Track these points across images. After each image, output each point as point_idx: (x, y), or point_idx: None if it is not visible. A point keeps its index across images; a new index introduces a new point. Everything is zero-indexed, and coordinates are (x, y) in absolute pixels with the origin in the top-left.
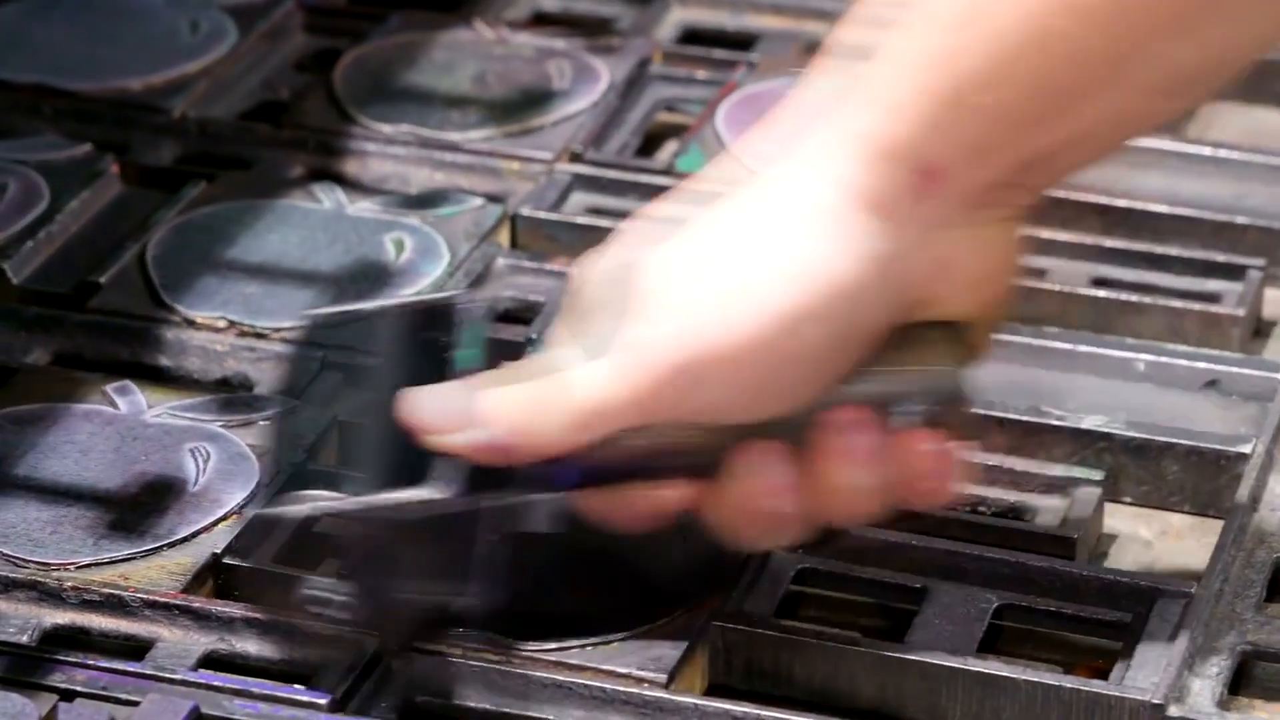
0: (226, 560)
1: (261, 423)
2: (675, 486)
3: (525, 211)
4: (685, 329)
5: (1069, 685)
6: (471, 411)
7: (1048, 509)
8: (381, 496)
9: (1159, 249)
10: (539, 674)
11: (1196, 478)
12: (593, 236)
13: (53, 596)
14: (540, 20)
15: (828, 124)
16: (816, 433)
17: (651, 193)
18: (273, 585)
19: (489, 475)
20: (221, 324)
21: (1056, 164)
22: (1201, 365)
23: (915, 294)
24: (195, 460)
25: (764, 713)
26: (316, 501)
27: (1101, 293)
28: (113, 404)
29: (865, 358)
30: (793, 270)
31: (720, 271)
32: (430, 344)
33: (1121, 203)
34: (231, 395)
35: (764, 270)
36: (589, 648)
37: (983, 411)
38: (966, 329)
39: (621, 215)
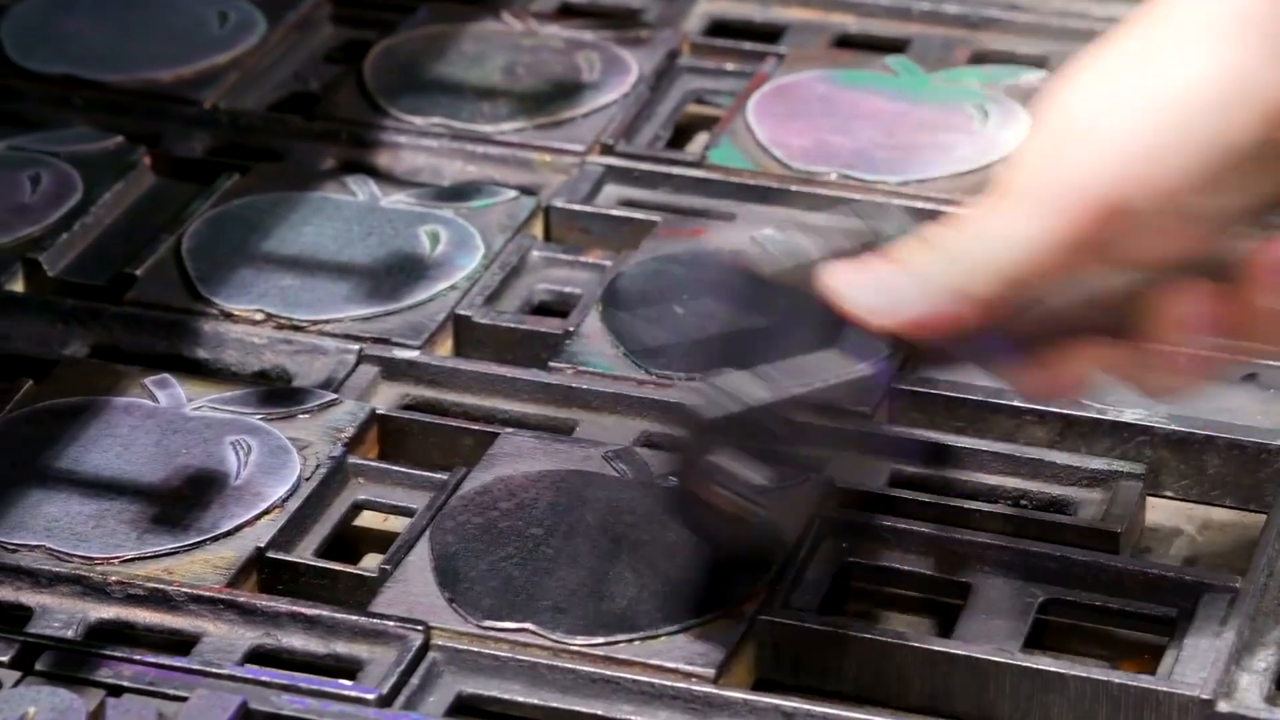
0: (270, 554)
1: (301, 416)
2: (1101, 344)
3: (559, 204)
4: (1119, 166)
5: (1118, 680)
6: (903, 286)
7: (1089, 503)
8: (825, 377)
9: None
10: (587, 669)
11: (1238, 472)
12: (626, 228)
13: (97, 591)
14: (567, 12)
15: None
16: (1246, 265)
17: (684, 185)
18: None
19: (923, 351)
20: (259, 316)
21: None
22: (1240, 359)
23: None
24: (236, 453)
25: (813, 708)
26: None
27: None
28: (152, 397)
29: None
30: (1225, 94)
31: (1147, 100)
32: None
33: None
34: (271, 388)
35: (1195, 97)
36: (637, 642)
37: None
38: None
39: (654, 207)
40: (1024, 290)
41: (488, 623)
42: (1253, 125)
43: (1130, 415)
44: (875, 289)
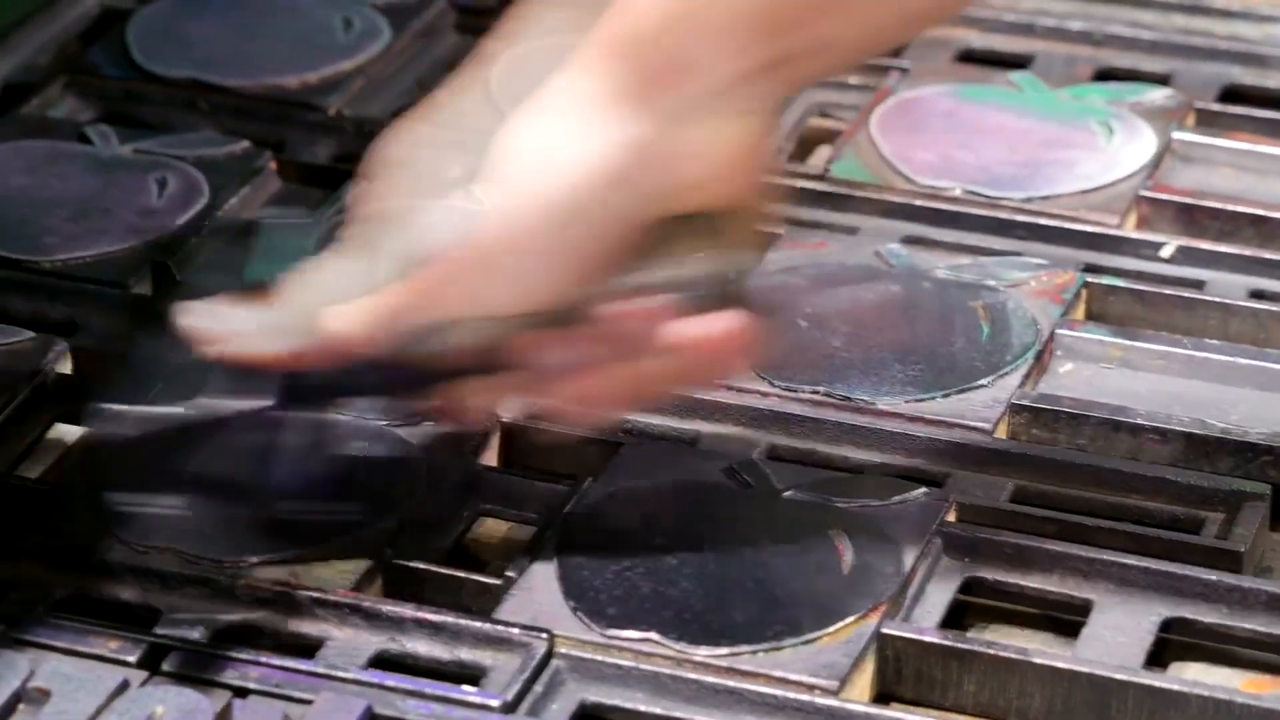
0: (396, 560)
1: (427, 423)
2: (488, 381)
3: None
4: (457, 228)
5: (1240, 700)
6: (263, 324)
7: (1213, 522)
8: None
9: None
10: (710, 679)
11: None
12: None
13: (224, 594)
14: None
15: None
16: (598, 322)
17: (806, 198)
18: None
19: (302, 386)
20: None
21: (803, 68)
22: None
23: (672, 182)
24: (362, 459)
25: None
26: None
27: (1261, 305)
28: None
29: (636, 248)
30: (548, 164)
31: (488, 170)
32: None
33: (1278, 214)
34: None
35: (524, 167)
36: (760, 654)
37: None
38: (732, 219)
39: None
40: (385, 331)
41: (611, 631)
42: (571, 197)
43: (1255, 435)
44: (228, 327)
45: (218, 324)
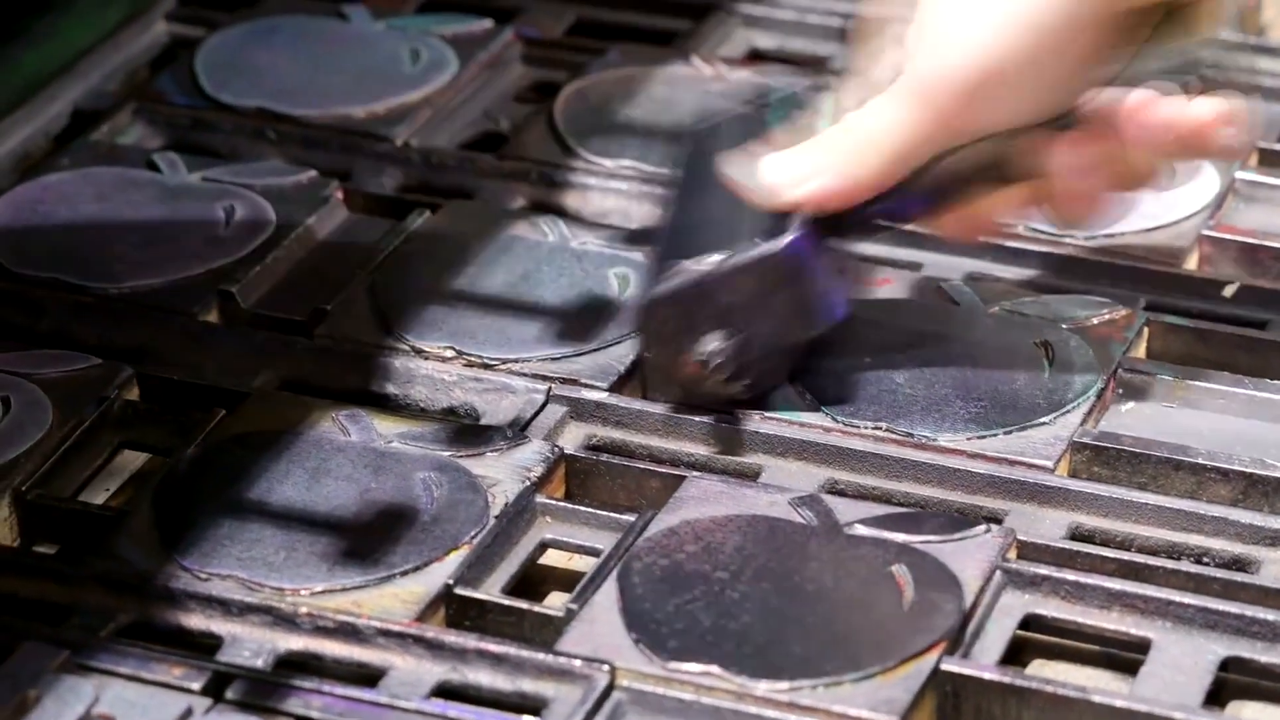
0: (458, 591)
1: (490, 454)
2: (1002, 193)
3: None
4: (967, 53)
5: None
6: (801, 169)
7: (1272, 562)
8: (752, 250)
9: None
10: (771, 713)
11: None
12: None
13: (287, 622)
14: (755, 57)
15: None
16: (1105, 116)
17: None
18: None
19: (835, 221)
20: (448, 354)
21: None
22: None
23: None
24: (427, 489)
25: None
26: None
27: None
28: (344, 430)
29: (1126, 44)
30: None
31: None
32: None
33: None
34: (462, 424)
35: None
36: (820, 688)
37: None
38: (1202, 7)
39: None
40: (908, 166)
41: (673, 664)
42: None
43: None
44: (776, 173)
45: (756, 173)
